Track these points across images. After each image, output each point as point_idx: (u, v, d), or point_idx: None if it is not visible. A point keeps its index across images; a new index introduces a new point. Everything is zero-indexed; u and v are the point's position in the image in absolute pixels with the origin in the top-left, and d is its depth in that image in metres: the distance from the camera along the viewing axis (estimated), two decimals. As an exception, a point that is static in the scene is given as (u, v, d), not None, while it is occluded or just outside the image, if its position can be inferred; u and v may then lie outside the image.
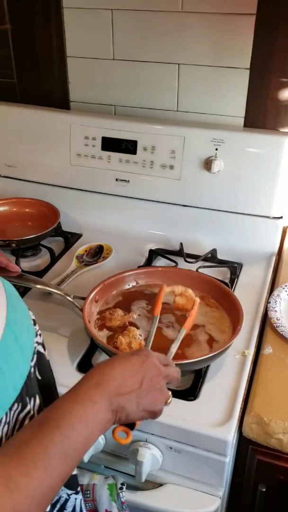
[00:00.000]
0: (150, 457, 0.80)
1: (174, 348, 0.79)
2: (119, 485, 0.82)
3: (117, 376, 0.59)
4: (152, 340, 0.82)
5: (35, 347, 0.65)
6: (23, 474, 0.46)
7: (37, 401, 0.62)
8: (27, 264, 1.20)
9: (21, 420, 0.58)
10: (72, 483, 0.67)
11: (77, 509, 0.68)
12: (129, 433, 0.64)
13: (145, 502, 0.82)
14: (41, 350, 0.68)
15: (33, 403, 0.61)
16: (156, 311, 0.87)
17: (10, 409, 0.55)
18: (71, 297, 0.97)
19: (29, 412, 0.60)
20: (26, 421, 0.59)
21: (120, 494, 0.81)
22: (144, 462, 0.79)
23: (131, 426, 0.64)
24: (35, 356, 0.65)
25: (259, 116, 1.18)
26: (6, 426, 0.55)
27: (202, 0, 1.10)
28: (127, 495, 0.82)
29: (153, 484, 0.86)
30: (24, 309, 0.66)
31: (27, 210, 1.32)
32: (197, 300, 0.89)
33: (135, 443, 0.82)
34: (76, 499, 0.68)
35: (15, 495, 0.45)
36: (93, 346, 0.92)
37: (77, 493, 0.68)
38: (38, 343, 0.67)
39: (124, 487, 0.82)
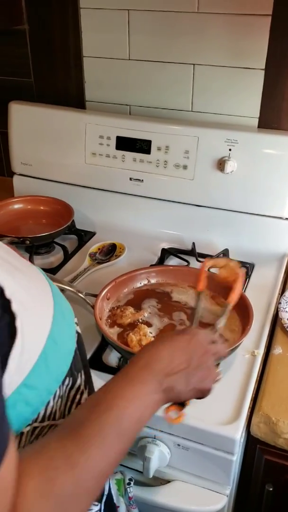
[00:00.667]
0: (158, 454, 0.81)
1: (220, 324, 0.76)
2: (127, 481, 0.83)
3: (164, 357, 0.60)
4: (198, 317, 0.79)
5: (75, 326, 0.68)
6: (81, 452, 0.49)
7: (83, 376, 0.65)
8: (40, 261, 1.22)
9: (72, 397, 0.61)
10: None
11: None
12: (181, 412, 0.65)
13: (153, 498, 0.83)
14: (79, 330, 0.71)
15: (81, 378, 0.64)
16: (200, 286, 0.85)
17: (63, 383, 0.58)
18: (83, 294, 0.98)
19: (79, 387, 0.62)
20: (77, 396, 0.62)
21: (128, 489, 0.82)
22: (152, 458, 0.80)
23: (181, 404, 0.65)
24: (76, 335, 0.67)
25: (273, 117, 1.18)
26: (60, 399, 0.57)
27: (218, 1, 1.10)
28: (134, 491, 0.83)
29: (160, 481, 0.86)
30: (60, 293, 0.68)
31: (41, 208, 1.34)
32: (241, 272, 0.85)
33: (143, 439, 0.83)
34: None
35: (75, 471, 0.47)
36: (104, 343, 0.93)
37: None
38: (76, 323, 0.70)
39: (132, 483, 0.83)
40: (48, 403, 0.55)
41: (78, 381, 0.62)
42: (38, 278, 0.60)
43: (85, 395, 0.64)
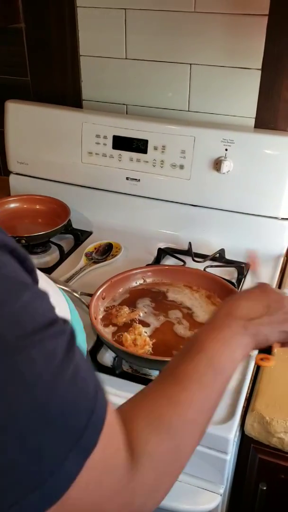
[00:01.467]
0: (152, 453, 0.81)
1: None
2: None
3: (244, 306, 0.65)
4: None
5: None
6: (182, 390, 0.51)
7: None
8: (36, 260, 1.21)
9: None
10: None
11: None
12: (269, 357, 0.70)
13: (147, 497, 0.83)
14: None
15: None
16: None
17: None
18: (78, 293, 0.98)
19: None
20: None
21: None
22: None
23: (268, 351, 0.70)
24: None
25: (270, 117, 1.18)
26: None
27: (214, 1, 1.11)
28: (129, 490, 0.83)
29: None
30: (71, 302, 0.69)
31: (37, 207, 1.33)
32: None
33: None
34: None
35: (179, 408, 0.49)
36: (99, 343, 0.93)
37: None
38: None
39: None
40: None
41: None
42: (55, 292, 0.61)
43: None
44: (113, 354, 0.91)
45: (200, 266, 1.13)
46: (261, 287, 0.70)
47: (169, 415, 0.48)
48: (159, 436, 0.46)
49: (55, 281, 1.02)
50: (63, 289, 1.00)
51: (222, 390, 0.56)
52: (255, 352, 0.70)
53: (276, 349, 0.70)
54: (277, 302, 0.67)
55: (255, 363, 0.72)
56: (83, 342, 0.63)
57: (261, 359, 0.71)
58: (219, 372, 0.55)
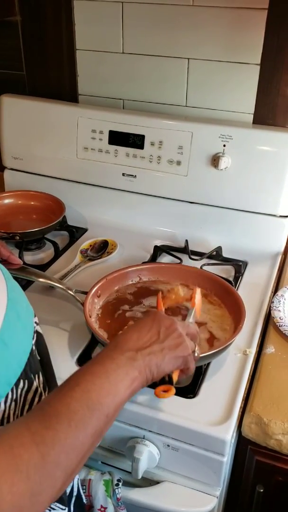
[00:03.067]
0: (147, 454, 0.80)
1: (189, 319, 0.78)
2: (115, 481, 0.81)
3: (132, 337, 0.61)
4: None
5: (34, 326, 0.65)
6: (47, 428, 0.47)
7: (41, 378, 0.63)
8: (30, 257, 1.19)
9: (30, 400, 0.59)
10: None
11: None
12: (170, 388, 0.67)
13: (141, 499, 0.81)
14: (40, 330, 0.68)
15: (38, 380, 0.61)
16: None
17: (16, 386, 0.56)
18: (73, 291, 0.96)
19: (36, 389, 0.60)
20: (36, 399, 0.59)
21: (116, 490, 0.81)
22: (141, 459, 0.79)
23: (170, 382, 0.67)
24: (35, 335, 0.65)
25: (268, 113, 1.16)
26: (14, 403, 0.55)
27: (213, -6, 1.09)
28: (123, 492, 0.81)
29: (149, 482, 0.85)
30: (21, 290, 0.67)
31: (32, 203, 1.31)
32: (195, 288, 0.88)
33: (132, 440, 0.81)
34: None
35: (41, 447, 0.46)
36: (94, 341, 0.91)
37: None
38: (36, 323, 0.67)
39: (121, 484, 0.82)
40: None
41: (35, 384, 0.60)
42: None
43: (43, 397, 0.62)
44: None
45: (197, 264, 1.11)
46: (151, 315, 0.66)
47: (28, 455, 0.44)
48: (12, 477, 0.43)
49: (49, 278, 1.00)
50: (57, 286, 0.98)
51: (100, 428, 0.51)
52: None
53: (177, 378, 0.67)
54: (167, 328, 0.63)
55: (156, 396, 0.68)
56: (26, 338, 0.60)
57: (163, 391, 0.68)
58: (95, 408, 0.51)
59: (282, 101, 1.14)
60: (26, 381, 0.58)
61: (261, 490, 0.83)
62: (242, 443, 0.83)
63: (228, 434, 0.75)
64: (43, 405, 0.51)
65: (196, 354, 0.68)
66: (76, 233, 1.27)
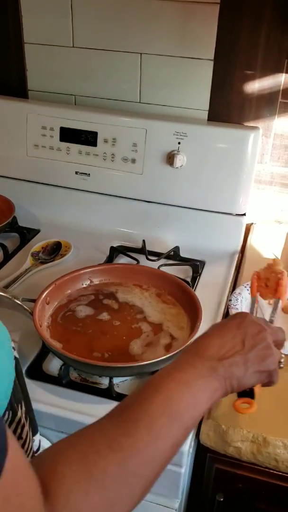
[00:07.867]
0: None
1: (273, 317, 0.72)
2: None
3: (214, 343, 0.56)
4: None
5: (13, 352, 0.60)
6: (125, 435, 0.44)
7: (23, 407, 0.59)
8: (-22, 261, 1.13)
9: (12, 431, 0.54)
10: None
11: None
12: (252, 402, 0.61)
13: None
14: (16, 355, 0.63)
15: (21, 410, 0.58)
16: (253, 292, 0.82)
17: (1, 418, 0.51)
18: (19, 300, 0.91)
19: (19, 420, 0.56)
20: (18, 431, 0.56)
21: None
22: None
23: (251, 395, 0.61)
24: (14, 361, 0.60)
25: (223, 109, 1.14)
26: None
27: (165, -14, 1.05)
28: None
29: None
30: None
31: (-21, 203, 1.25)
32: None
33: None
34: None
35: (119, 455, 0.42)
36: (45, 350, 0.86)
37: None
38: (14, 348, 0.62)
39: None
40: None
41: (19, 414, 0.56)
42: None
43: (26, 428, 0.57)
44: (60, 362, 0.84)
45: (154, 264, 1.08)
46: (239, 318, 0.60)
47: (104, 463, 0.41)
48: (87, 485, 0.40)
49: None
50: (1, 295, 0.92)
51: (179, 440, 0.48)
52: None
53: (259, 391, 0.61)
54: (253, 337, 0.57)
55: (235, 409, 0.63)
56: (7, 367, 0.55)
57: (243, 404, 0.62)
58: (176, 418, 0.47)
59: (236, 98, 1.12)
60: (11, 412, 0.54)
61: (221, 499, 0.81)
62: (201, 451, 0.80)
63: (186, 444, 0.72)
64: (121, 410, 0.47)
65: (282, 366, 0.62)
66: (27, 234, 1.21)
